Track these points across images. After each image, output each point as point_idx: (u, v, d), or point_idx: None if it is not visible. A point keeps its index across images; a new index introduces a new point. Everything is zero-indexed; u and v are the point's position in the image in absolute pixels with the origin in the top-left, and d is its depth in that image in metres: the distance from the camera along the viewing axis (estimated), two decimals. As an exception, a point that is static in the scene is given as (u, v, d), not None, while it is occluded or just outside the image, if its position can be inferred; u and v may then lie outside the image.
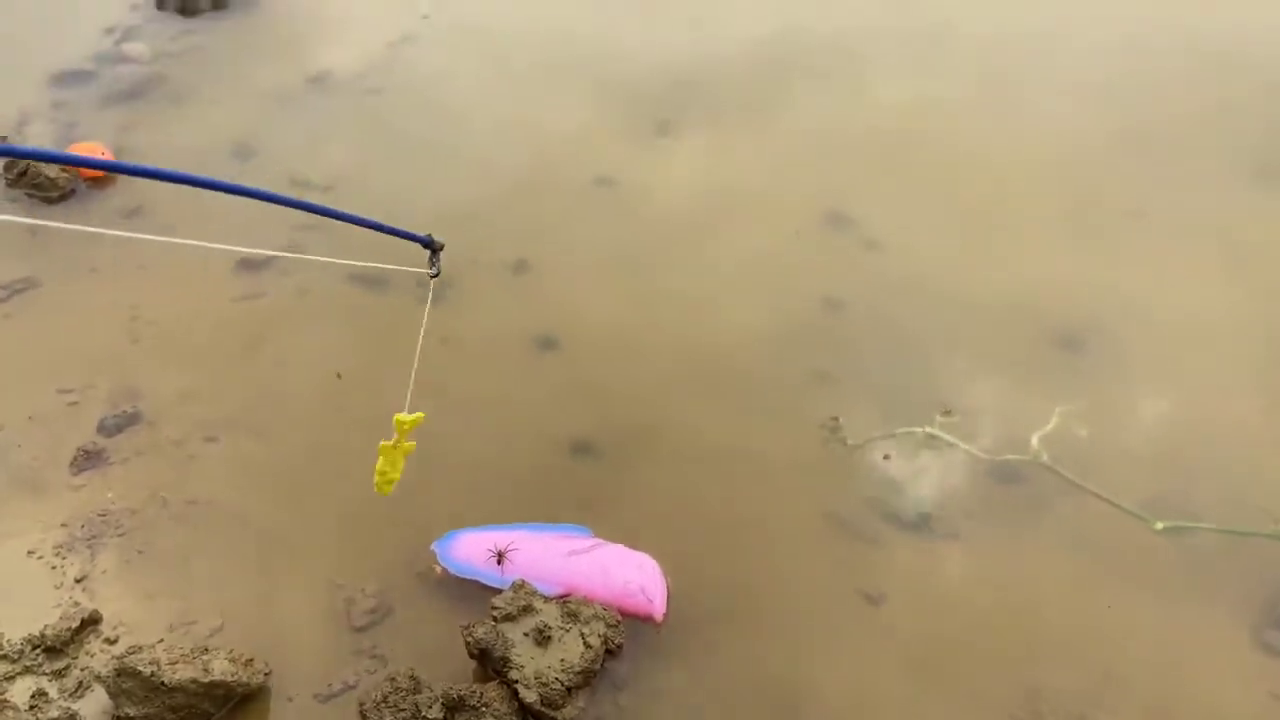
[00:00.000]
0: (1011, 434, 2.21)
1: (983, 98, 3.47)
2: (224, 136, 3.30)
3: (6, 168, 3.04)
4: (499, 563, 1.94)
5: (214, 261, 2.78)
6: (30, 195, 3.01)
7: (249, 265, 2.78)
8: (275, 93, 3.56)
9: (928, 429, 2.20)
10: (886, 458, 2.16)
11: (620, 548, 2.00)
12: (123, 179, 3.08)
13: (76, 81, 3.59)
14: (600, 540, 2.01)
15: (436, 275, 1.56)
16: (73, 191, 3.05)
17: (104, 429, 2.30)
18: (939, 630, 1.90)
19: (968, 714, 1.77)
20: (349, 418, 2.35)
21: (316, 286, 2.73)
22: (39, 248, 2.82)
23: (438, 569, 1.95)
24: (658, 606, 1.94)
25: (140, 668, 1.68)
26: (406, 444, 1.63)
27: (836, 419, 2.27)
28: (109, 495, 2.16)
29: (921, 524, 2.08)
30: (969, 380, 2.38)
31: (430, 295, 1.64)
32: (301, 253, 2.74)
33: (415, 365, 1.60)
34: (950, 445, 2.19)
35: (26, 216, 2.86)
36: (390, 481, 1.67)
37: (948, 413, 2.22)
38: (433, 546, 1.98)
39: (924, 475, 2.16)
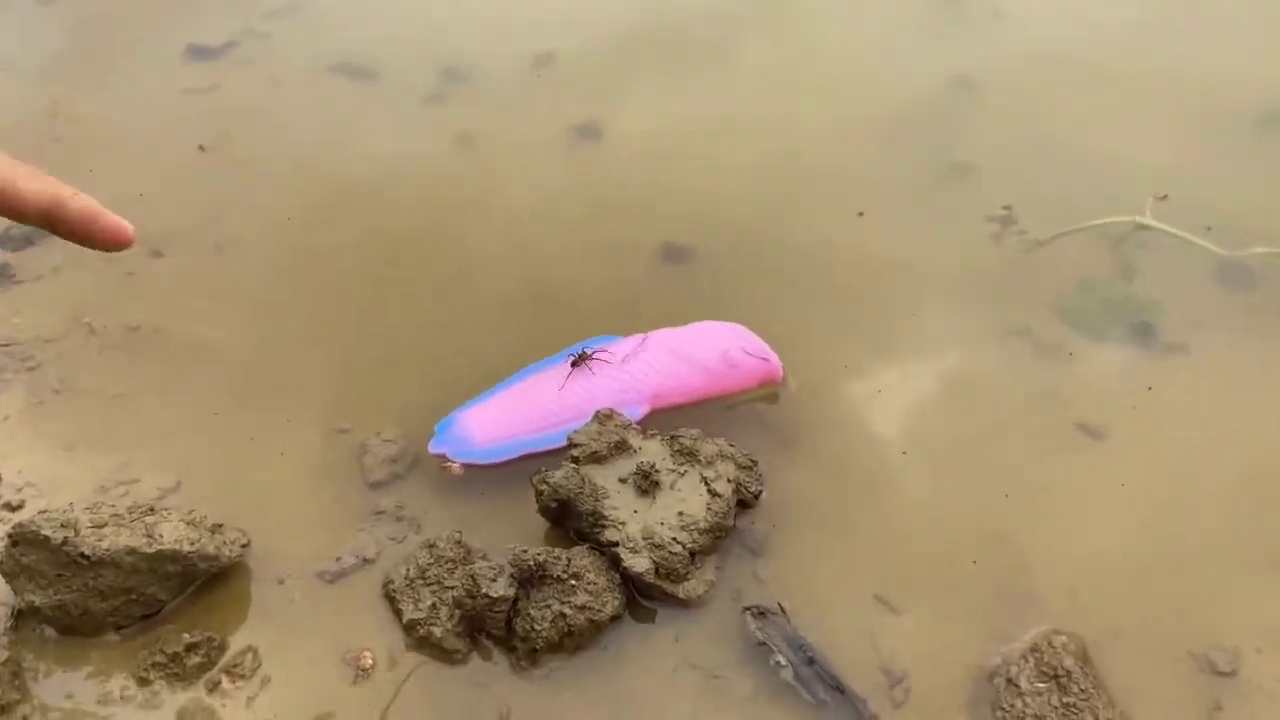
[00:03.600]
0: (1246, 226, 1.64)
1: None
2: None
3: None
4: (575, 366, 1.38)
5: (154, 44, 2.13)
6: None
7: (202, 52, 2.14)
8: None
9: (1138, 218, 1.62)
10: (1162, 197, 1.57)
11: (682, 329, 1.43)
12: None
13: None
14: (639, 336, 1.43)
15: None
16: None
17: (8, 241, 1.69)
18: (1171, 468, 1.35)
19: (1214, 568, 1.23)
20: (336, 231, 1.75)
21: (289, 76, 2.10)
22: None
23: (453, 467, 1.32)
24: (774, 360, 1.41)
25: (48, 532, 1.10)
26: None
27: (1009, 208, 1.70)
28: (15, 321, 1.56)
29: (1141, 335, 1.51)
30: (1177, 161, 1.80)
31: None
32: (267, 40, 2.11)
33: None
34: (1170, 237, 1.62)
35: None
36: None
37: (1163, 197, 1.65)
38: (432, 446, 1.33)
39: (1136, 276, 1.59)
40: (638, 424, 1.32)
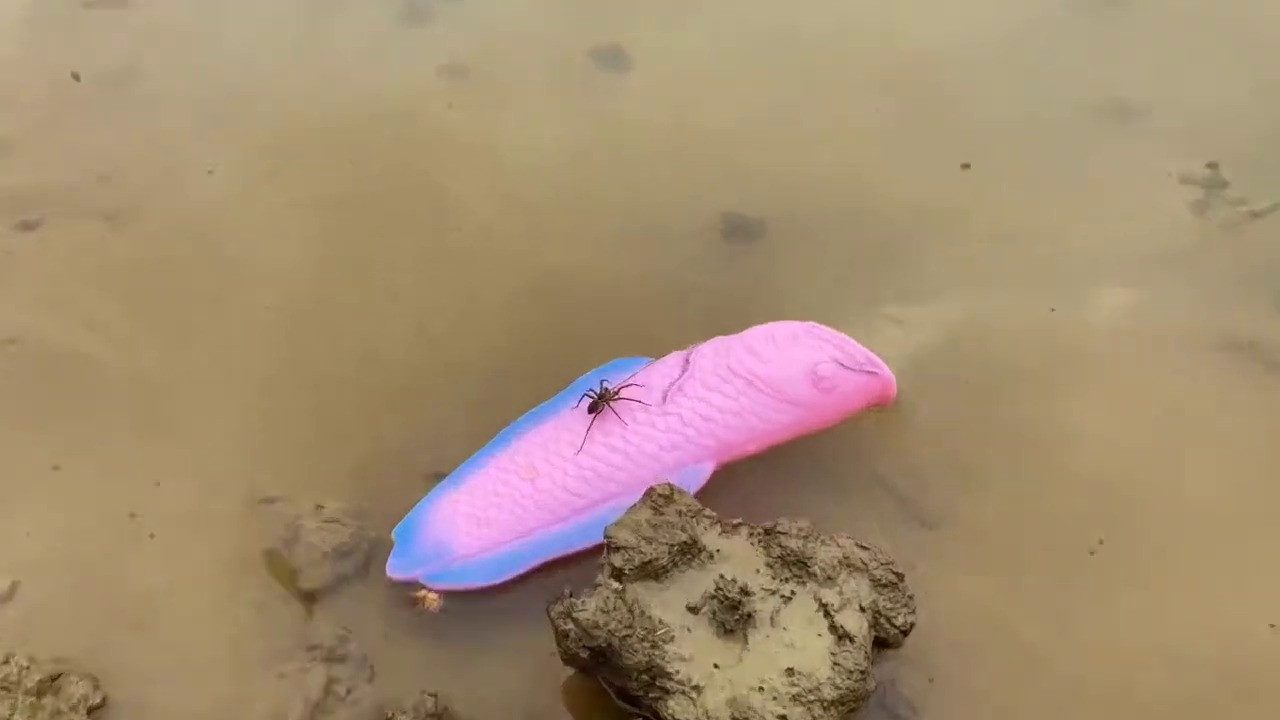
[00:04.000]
0: None
1: None
2: None
3: None
4: (593, 411, 0.91)
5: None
6: None
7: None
8: None
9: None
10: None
11: (740, 338, 0.97)
12: None
13: None
14: (679, 355, 0.97)
15: None
16: None
17: None
18: None
19: None
20: (276, 193, 1.27)
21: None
22: None
23: (427, 598, 0.86)
24: (885, 372, 0.96)
25: None
26: None
27: (1215, 165, 1.21)
28: None
29: None
30: None
31: None
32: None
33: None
34: None
35: None
36: None
37: None
38: (392, 567, 0.86)
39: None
40: (698, 496, 0.86)
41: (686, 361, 0.96)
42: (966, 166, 1.28)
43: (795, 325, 0.98)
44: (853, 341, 0.96)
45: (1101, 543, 0.91)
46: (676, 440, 0.91)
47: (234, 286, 1.16)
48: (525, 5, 1.58)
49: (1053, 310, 1.11)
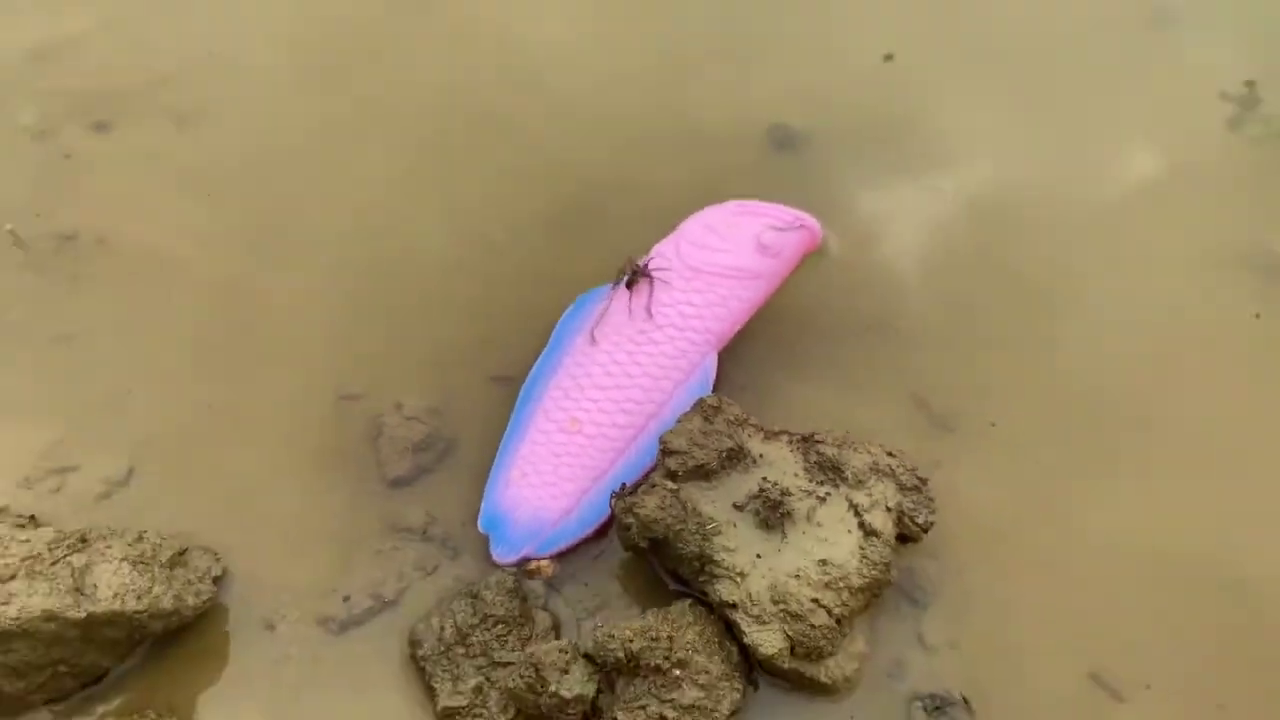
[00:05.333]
0: None
1: None
2: None
3: None
4: (630, 287, 1.01)
5: None
6: None
7: None
8: None
9: None
10: None
11: (683, 234, 1.05)
12: None
13: None
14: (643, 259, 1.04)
15: None
16: None
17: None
18: None
19: None
20: (340, 97, 1.32)
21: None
22: None
23: (543, 568, 0.91)
24: (811, 221, 1.06)
25: (-73, 596, 0.76)
26: None
27: (1251, 83, 1.25)
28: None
29: None
30: None
31: None
32: None
33: None
34: None
35: None
36: None
37: None
38: (499, 556, 0.92)
39: None
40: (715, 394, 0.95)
41: (642, 282, 1.03)
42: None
43: (725, 208, 1.07)
44: (777, 205, 1.05)
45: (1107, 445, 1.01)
46: (681, 345, 0.99)
47: (305, 189, 1.23)
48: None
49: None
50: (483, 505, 0.94)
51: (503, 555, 0.92)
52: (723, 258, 1.02)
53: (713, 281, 1.01)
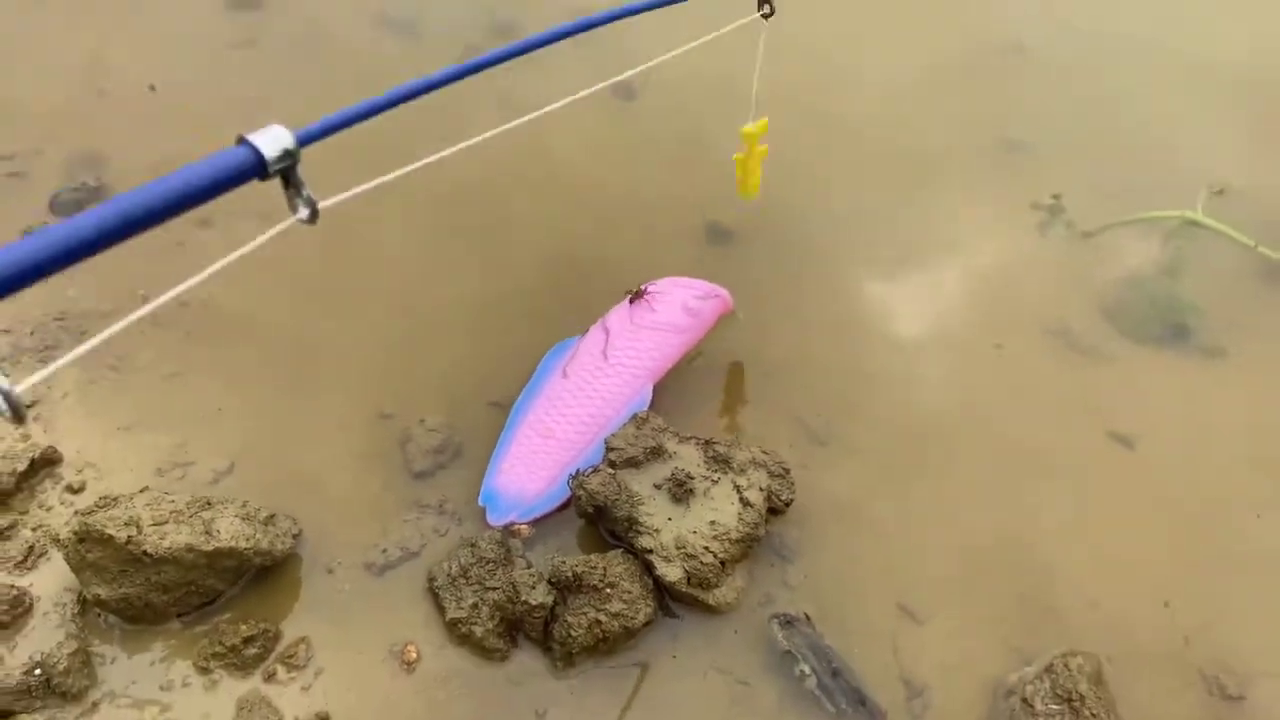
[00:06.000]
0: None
1: None
2: None
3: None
4: (633, 302, 1.45)
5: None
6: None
7: (243, 3, 2.11)
8: None
9: (1188, 213, 1.59)
10: (1218, 191, 1.55)
11: (631, 304, 1.47)
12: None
13: None
14: (598, 327, 1.46)
15: (769, 14, 1.19)
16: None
17: (59, 207, 1.72)
18: (1204, 479, 1.36)
19: (1239, 587, 1.26)
20: (386, 192, 1.74)
21: (330, 27, 2.08)
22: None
23: (523, 530, 1.31)
24: (724, 293, 1.48)
25: (113, 531, 1.15)
26: (759, 149, 1.36)
27: (1058, 197, 1.67)
28: (69, 293, 1.59)
29: (1178, 337, 1.51)
30: (1237, 155, 1.75)
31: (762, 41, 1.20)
32: None
33: (755, 82, 1.25)
34: (1218, 235, 1.59)
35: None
36: (753, 186, 1.41)
37: (1219, 191, 1.61)
38: (493, 520, 1.31)
39: (1181, 273, 1.58)
40: (653, 406, 1.36)
41: (605, 329, 1.44)
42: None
43: (662, 282, 1.48)
44: (700, 281, 1.46)
45: (929, 452, 1.40)
46: (625, 378, 1.40)
47: (352, 264, 1.65)
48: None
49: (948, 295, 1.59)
50: (482, 486, 1.33)
51: (495, 520, 1.31)
52: (657, 317, 1.43)
53: (650, 334, 1.42)
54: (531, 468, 1.34)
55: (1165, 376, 1.47)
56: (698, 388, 1.48)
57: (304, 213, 0.74)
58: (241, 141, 0.68)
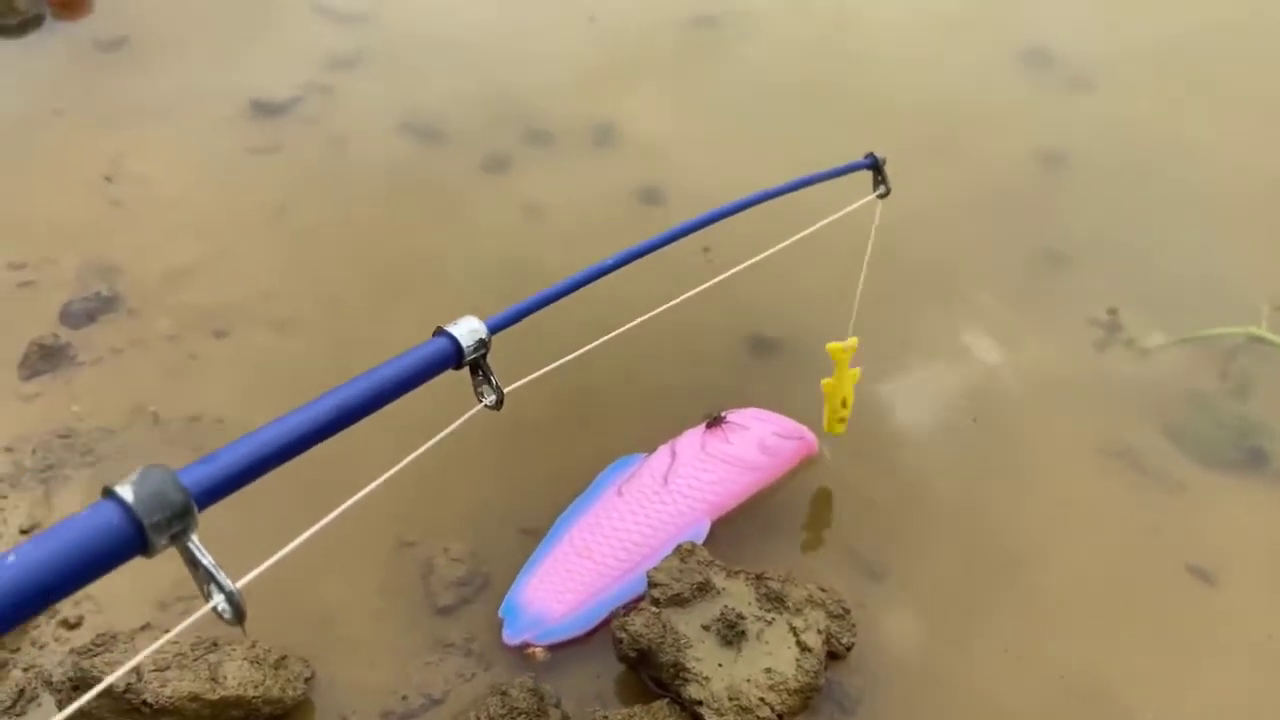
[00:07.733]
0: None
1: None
2: None
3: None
4: (709, 429, 1.37)
5: (219, 104, 2.09)
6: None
7: (266, 109, 2.09)
8: None
9: (1253, 329, 1.52)
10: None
11: (706, 430, 1.37)
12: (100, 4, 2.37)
13: None
14: (666, 448, 1.37)
15: (885, 194, 1.17)
16: (39, 19, 2.35)
17: (69, 318, 1.65)
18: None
19: None
20: (405, 308, 1.69)
21: (355, 136, 2.05)
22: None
23: (537, 653, 1.21)
24: (809, 436, 1.38)
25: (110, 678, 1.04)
26: (851, 372, 1.30)
27: (1115, 311, 1.60)
28: (74, 409, 1.51)
29: (1254, 462, 1.42)
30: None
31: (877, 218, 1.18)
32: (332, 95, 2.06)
33: (860, 290, 1.24)
34: (1285, 351, 1.52)
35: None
36: (843, 420, 1.34)
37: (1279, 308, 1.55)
38: (508, 637, 1.21)
39: (1249, 393, 1.49)
40: (707, 544, 1.25)
41: (673, 452, 1.35)
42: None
43: (744, 412, 1.38)
44: (785, 418, 1.36)
45: (998, 595, 1.29)
46: (681, 509, 1.31)
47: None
48: (583, 163, 2.01)
49: (974, 420, 1.50)
50: (505, 597, 1.23)
51: (510, 637, 1.20)
52: (730, 449, 1.34)
53: (718, 466, 1.33)
54: (561, 587, 1.24)
55: (1243, 504, 1.38)
56: (739, 515, 1.38)
57: (491, 399, 0.79)
58: (440, 332, 0.72)
